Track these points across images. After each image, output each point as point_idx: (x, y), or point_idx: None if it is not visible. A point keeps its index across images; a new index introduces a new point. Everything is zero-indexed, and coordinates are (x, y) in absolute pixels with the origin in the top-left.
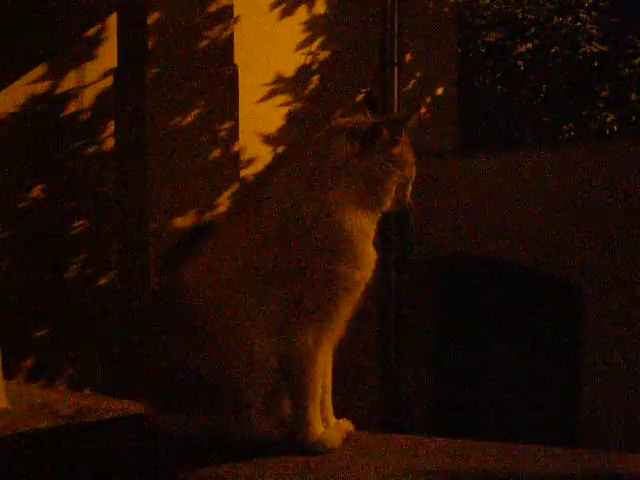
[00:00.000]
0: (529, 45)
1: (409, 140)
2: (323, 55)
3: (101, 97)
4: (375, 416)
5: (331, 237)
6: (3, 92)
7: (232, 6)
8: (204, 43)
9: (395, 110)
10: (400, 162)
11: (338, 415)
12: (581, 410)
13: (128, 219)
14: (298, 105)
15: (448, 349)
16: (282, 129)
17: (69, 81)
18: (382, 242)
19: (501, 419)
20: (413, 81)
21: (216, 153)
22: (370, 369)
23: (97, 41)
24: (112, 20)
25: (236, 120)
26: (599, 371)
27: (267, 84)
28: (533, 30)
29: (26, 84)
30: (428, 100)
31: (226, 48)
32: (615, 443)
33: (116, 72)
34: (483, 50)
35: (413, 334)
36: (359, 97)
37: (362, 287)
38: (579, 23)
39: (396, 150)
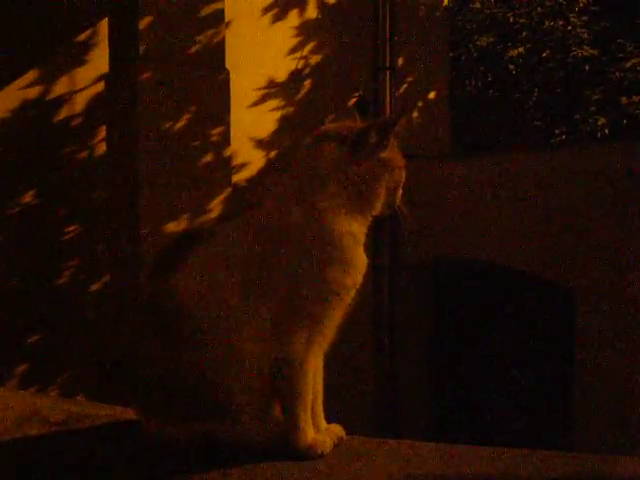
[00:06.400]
0: (520, 49)
1: (398, 144)
2: (315, 60)
3: (92, 102)
4: (368, 422)
5: (321, 242)
6: None
7: (223, 10)
8: (195, 48)
9: (388, 114)
10: (389, 166)
11: (330, 421)
12: (574, 410)
13: (120, 224)
14: (290, 110)
15: (442, 352)
16: (274, 134)
17: (60, 86)
18: (375, 246)
19: (496, 421)
20: (405, 85)
21: (208, 158)
22: (363, 374)
23: (88, 46)
24: (103, 25)
25: (228, 125)
26: (591, 371)
27: (259, 89)
28: (524, 34)
29: (17, 89)
30: (420, 104)
31: (217, 53)
32: (608, 444)
33: (107, 77)
34: (475, 54)
35: (407, 338)
36: (351, 102)
37: (353, 292)
38: (570, 27)
39: (385, 154)
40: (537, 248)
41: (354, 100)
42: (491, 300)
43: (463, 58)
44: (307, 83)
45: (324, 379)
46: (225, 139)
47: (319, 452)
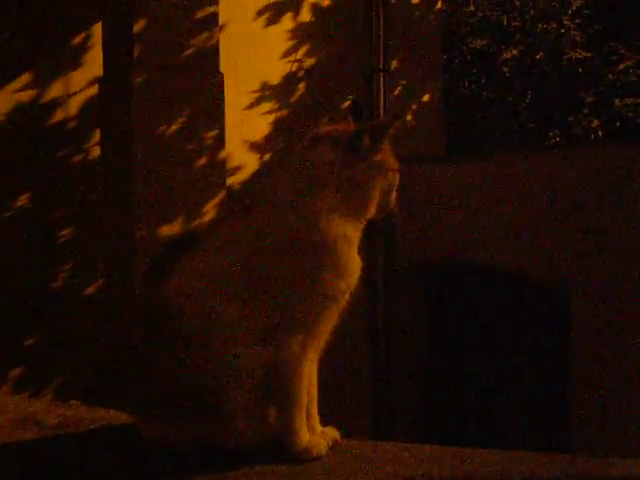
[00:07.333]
0: (514, 51)
1: (391, 147)
2: (309, 62)
3: (87, 105)
4: (363, 425)
5: (315, 245)
6: None
7: (218, 14)
8: (190, 51)
9: (382, 117)
10: (383, 169)
11: (325, 423)
12: (569, 414)
13: (114, 227)
14: (284, 113)
15: (437, 355)
16: (268, 137)
17: (55, 89)
18: (368, 249)
19: (492, 424)
20: (399, 88)
21: (202, 161)
22: (358, 377)
23: (83, 49)
24: (98, 28)
25: (222, 128)
26: (587, 375)
27: (253, 92)
28: (518, 37)
29: (11, 92)
30: (414, 107)
31: (212, 56)
32: (604, 447)
33: (102, 80)
34: (468, 57)
35: (402, 341)
36: (345, 105)
37: (347, 295)
38: (563, 30)
39: (378, 157)
40: (532, 251)
41: (349, 103)
42: (487, 303)
43: (457, 60)
44: (301, 86)
45: (319, 382)
46: (219, 142)
47: (314, 455)
